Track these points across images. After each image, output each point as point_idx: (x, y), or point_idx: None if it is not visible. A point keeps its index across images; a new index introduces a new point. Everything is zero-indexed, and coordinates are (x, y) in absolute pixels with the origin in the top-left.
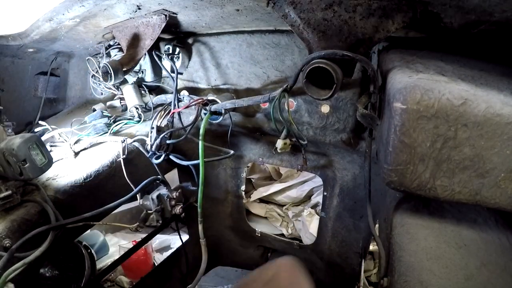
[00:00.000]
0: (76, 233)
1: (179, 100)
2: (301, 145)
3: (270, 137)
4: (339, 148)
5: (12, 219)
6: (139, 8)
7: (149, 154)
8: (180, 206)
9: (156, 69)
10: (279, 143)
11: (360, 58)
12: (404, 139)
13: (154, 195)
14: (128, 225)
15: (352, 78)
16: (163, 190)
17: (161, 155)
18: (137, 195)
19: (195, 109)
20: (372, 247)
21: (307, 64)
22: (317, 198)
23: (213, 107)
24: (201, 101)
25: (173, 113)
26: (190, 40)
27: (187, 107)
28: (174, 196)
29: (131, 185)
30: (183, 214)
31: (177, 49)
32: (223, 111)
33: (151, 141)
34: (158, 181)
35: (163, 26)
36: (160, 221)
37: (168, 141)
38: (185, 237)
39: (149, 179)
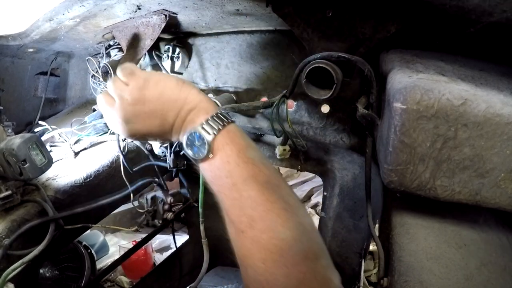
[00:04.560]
0: (75, 233)
1: None
2: (300, 151)
3: (270, 137)
4: (339, 148)
5: (12, 219)
6: (139, 8)
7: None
8: (171, 213)
9: (156, 69)
10: (278, 150)
11: (355, 59)
12: (404, 139)
13: (149, 196)
14: (126, 228)
15: (352, 79)
16: (159, 193)
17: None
18: (131, 194)
19: None
20: (372, 247)
21: (303, 68)
22: (317, 198)
23: None
24: None
25: None
26: (190, 40)
27: None
28: (169, 201)
29: (129, 186)
30: (182, 215)
31: (177, 49)
32: None
33: (168, 160)
34: (155, 184)
35: (163, 26)
36: (150, 221)
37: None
38: (185, 237)
39: (145, 180)
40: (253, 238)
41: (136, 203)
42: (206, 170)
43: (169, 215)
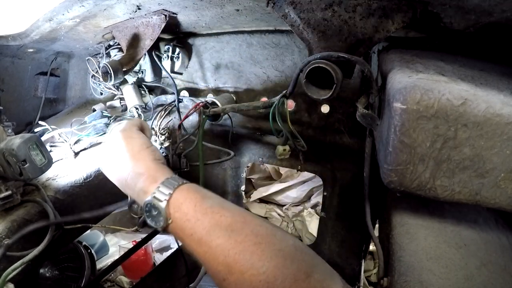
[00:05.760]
0: (75, 233)
1: (179, 101)
2: (300, 151)
3: (270, 137)
4: (339, 148)
5: (12, 219)
6: (139, 8)
7: None
8: None
9: (156, 69)
10: (279, 150)
11: (355, 59)
12: (404, 139)
13: None
14: (126, 228)
15: (352, 79)
16: None
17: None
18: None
19: (197, 112)
20: (372, 247)
21: (303, 68)
22: (317, 198)
23: (212, 111)
24: (202, 104)
25: (180, 127)
26: (190, 40)
27: (187, 116)
28: None
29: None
30: None
31: (177, 49)
32: (221, 113)
33: (170, 163)
34: None
35: (163, 26)
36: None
37: (183, 160)
38: None
39: None
40: (236, 282)
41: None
42: (174, 235)
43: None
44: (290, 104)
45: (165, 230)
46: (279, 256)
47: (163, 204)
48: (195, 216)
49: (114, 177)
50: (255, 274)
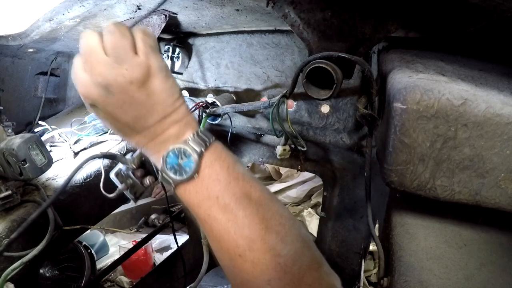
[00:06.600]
0: (74, 233)
1: None
2: (300, 151)
3: (270, 137)
4: (339, 148)
5: (12, 219)
6: (139, 8)
7: None
8: (149, 177)
9: None
10: (279, 150)
11: (356, 59)
12: (404, 139)
13: (112, 174)
14: (125, 231)
15: (352, 79)
16: (119, 165)
17: None
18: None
19: (197, 112)
20: (372, 247)
21: (303, 68)
22: (317, 198)
23: (213, 111)
24: (202, 103)
25: None
26: (190, 40)
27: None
28: (134, 166)
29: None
30: (183, 214)
31: (177, 49)
32: (221, 113)
33: None
34: (99, 158)
35: (163, 26)
36: (133, 198)
37: None
38: (185, 237)
39: (85, 158)
40: (254, 260)
41: (113, 195)
42: (191, 193)
43: (148, 180)
44: (290, 104)
45: (178, 186)
46: (299, 241)
47: (196, 155)
48: (227, 179)
49: (124, 115)
50: (276, 256)
